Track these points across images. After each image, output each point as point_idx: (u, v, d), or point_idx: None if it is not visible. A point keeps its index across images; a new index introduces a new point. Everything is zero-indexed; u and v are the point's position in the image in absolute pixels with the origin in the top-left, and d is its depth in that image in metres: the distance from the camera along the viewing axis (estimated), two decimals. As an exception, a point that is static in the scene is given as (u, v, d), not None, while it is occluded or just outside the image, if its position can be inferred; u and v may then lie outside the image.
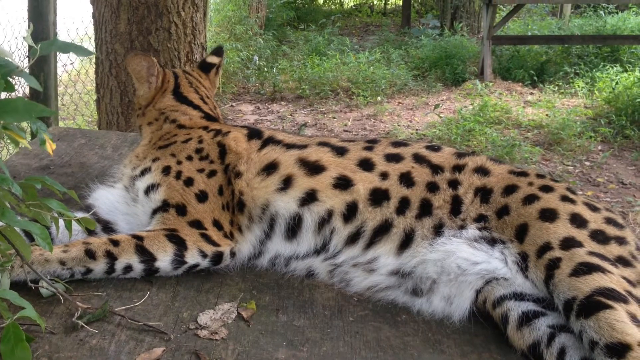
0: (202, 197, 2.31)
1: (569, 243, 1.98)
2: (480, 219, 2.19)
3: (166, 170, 2.36)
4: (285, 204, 2.28)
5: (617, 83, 9.51)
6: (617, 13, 13.64)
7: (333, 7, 20.37)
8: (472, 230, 2.15)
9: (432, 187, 2.30)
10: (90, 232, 2.25)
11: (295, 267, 2.28)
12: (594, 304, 1.77)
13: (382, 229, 2.23)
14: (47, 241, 1.66)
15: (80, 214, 1.96)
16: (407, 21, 16.05)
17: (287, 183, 2.31)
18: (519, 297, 1.99)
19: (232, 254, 2.26)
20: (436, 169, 2.36)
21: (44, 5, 4.76)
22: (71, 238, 2.01)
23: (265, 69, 11.20)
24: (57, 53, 5.47)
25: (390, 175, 2.34)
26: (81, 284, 2.07)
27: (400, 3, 17.70)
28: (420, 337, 1.98)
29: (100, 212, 2.41)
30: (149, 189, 2.34)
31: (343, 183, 2.31)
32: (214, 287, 2.15)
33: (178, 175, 2.34)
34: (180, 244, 2.16)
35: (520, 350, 1.91)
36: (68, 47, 1.75)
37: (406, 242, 2.20)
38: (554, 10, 15.96)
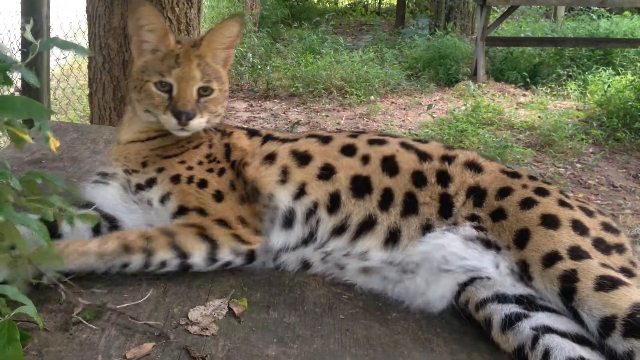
0: (218, 196, 2.29)
1: (577, 253, 1.93)
2: (473, 218, 2.15)
3: (176, 179, 2.31)
4: (284, 197, 2.29)
5: (609, 86, 9.57)
6: (610, 17, 13.71)
7: (327, 5, 20.36)
8: (469, 229, 2.12)
9: (419, 179, 2.26)
10: (96, 230, 2.26)
11: (285, 260, 2.27)
12: None
13: (367, 224, 2.22)
14: (45, 238, 1.64)
15: (81, 211, 1.98)
16: (401, 21, 16.08)
17: (285, 175, 2.32)
18: (501, 299, 1.97)
19: (266, 251, 2.25)
20: (424, 156, 2.33)
21: (38, -2, 4.73)
22: (74, 234, 2.08)
23: (259, 67, 11.20)
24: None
25: (372, 159, 2.33)
26: (71, 279, 2.06)
27: (395, 3, 17.71)
28: (410, 335, 1.99)
29: (103, 209, 2.34)
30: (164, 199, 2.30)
31: (326, 173, 2.31)
32: (205, 283, 2.15)
33: (190, 180, 2.30)
34: (212, 243, 2.15)
35: (507, 353, 1.91)
36: (67, 46, 1.73)
37: (392, 239, 2.19)
38: (548, 13, 16.03)
